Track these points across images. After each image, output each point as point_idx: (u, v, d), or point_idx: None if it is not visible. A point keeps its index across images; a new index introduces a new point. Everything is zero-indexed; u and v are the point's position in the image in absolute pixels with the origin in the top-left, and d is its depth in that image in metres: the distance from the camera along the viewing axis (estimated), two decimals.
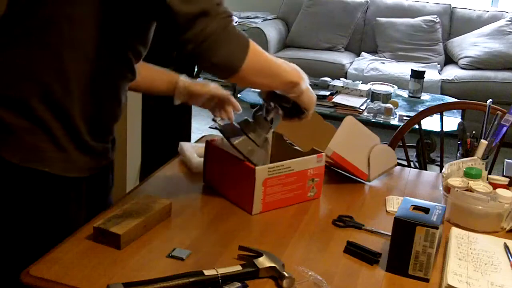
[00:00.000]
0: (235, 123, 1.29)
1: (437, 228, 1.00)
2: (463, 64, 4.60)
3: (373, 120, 3.41)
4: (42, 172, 1.11)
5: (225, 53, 0.99)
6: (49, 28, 1.05)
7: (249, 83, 1.13)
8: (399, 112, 3.48)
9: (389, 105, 3.47)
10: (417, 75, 3.88)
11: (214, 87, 1.40)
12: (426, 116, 2.01)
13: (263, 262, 1.00)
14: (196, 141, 1.61)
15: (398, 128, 2.02)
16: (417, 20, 4.93)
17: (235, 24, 1.01)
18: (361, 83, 3.77)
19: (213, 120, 1.33)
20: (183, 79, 1.37)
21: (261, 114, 1.24)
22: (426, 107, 2.07)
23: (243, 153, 1.20)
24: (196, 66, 2.62)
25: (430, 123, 3.17)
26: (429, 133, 3.36)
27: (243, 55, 1.01)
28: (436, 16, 4.91)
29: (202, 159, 1.38)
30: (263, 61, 1.07)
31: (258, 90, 1.26)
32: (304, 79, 1.16)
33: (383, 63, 4.74)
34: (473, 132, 1.49)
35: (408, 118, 2.38)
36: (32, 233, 1.15)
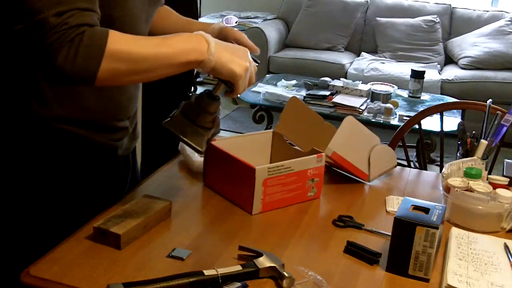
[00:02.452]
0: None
1: (437, 228, 1.00)
2: (463, 64, 4.61)
3: (373, 120, 3.41)
4: (42, 168, 1.12)
5: (70, 65, 0.91)
6: None
7: (122, 83, 1.07)
8: (399, 112, 3.48)
9: (389, 105, 3.47)
10: (417, 75, 3.88)
11: (241, 35, 1.29)
12: (426, 116, 2.02)
13: (263, 262, 1.00)
14: None
15: (398, 128, 2.02)
16: (417, 20, 4.93)
17: (90, 32, 0.93)
18: (361, 83, 3.77)
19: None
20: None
21: (207, 90, 1.13)
22: (426, 107, 2.07)
23: (176, 133, 1.08)
24: None
25: (430, 123, 3.17)
26: (429, 133, 3.37)
27: (94, 65, 0.93)
28: (436, 16, 4.91)
29: (202, 159, 1.39)
30: (128, 62, 0.97)
31: None
32: (210, 51, 1.03)
33: (383, 63, 4.74)
34: (473, 132, 1.49)
35: (408, 118, 2.38)
36: (33, 232, 1.15)
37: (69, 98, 1.10)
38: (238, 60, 1.07)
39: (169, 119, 1.10)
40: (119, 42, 0.95)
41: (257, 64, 1.16)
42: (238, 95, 1.17)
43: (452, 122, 3.23)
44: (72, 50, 0.90)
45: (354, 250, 1.10)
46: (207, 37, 1.04)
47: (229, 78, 1.07)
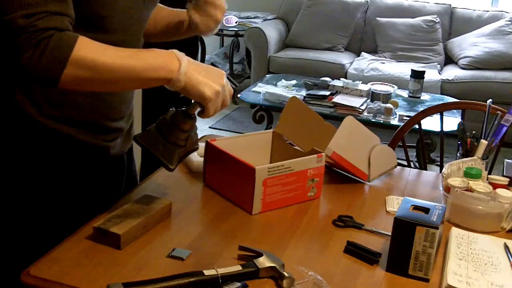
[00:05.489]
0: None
1: (437, 228, 1.00)
2: (463, 64, 4.61)
3: (373, 120, 3.41)
4: (40, 168, 1.12)
5: (34, 67, 0.92)
6: None
7: (83, 90, 1.07)
8: (399, 112, 3.48)
9: (389, 105, 3.47)
10: (417, 75, 3.88)
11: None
12: (426, 116, 2.02)
13: (263, 262, 1.00)
14: None
15: (398, 128, 2.02)
16: (417, 20, 4.93)
17: (57, 36, 0.93)
18: (361, 83, 3.77)
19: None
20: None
21: (183, 108, 1.12)
22: (426, 107, 2.07)
23: (147, 147, 1.08)
24: None
25: (430, 123, 3.17)
26: (429, 133, 3.37)
27: (57, 69, 0.93)
28: (436, 16, 4.91)
29: (202, 159, 1.39)
30: (91, 70, 0.96)
31: None
32: (180, 70, 1.02)
33: (383, 63, 4.74)
34: (473, 132, 1.49)
35: (408, 118, 2.38)
36: (33, 232, 1.15)
37: (59, 97, 1.10)
38: (210, 83, 1.05)
39: (142, 133, 1.10)
40: (86, 50, 0.95)
41: (234, 87, 1.14)
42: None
43: (452, 122, 3.23)
44: (37, 53, 0.91)
45: (354, 250, 1.10)
46: (179, 56, 1.03)
47: (198, 100, 1.06)
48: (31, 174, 1.13)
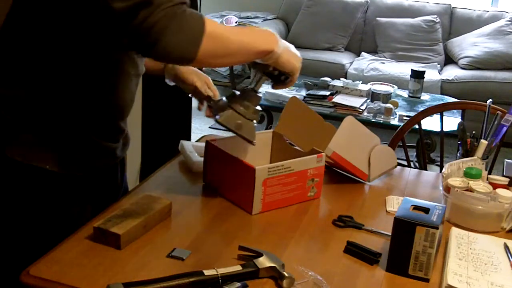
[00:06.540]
0: (224, 98, 1.24)
1: (437, 228, 1.00)
2: (463, 64, 4.60)
3: (373, 120, 3.41)
4: (44, 169, 1.12)
5: (175, 43, 0.96)
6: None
7: (210, 65, 1.13)
8: (399, 112, 3.48)
9: (389, 105, 3.47)
10: (417, 75, 3.88)
11: (196, 77, 1.41)
12: (426, 116, 2.02)
13: (263, 262, 1.00)
14: (197, 141, 1.61)
15: (398, 128, 2.02)
16: (417, 20, 4.93)
17: (189, 11, 0.98)
18: (361, 83, 3.77)
19: (208, 101, 1.29)
20: None
21: (247, 86, 1.21)
22: (426, 107, 2.07)
23: (231, 128, 1.17)
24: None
25: (430, 123, 3.17)
26: (429, 133, 3.37)
27: (196, 43, 0.98)
28: (436, 16, 4.91)
29: (202, 158, 1.38)
30: (221, 43, 1.03)
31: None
32: (278, 43, 1.12)
33: (383, 63, 4.74)
34: (473, 132, 1.49)
35: (408, 118, 2.38)
36: (33, 232, 1.15)
37: (88, 95, 1.11)
38: (295, 54, 1.18)
39: (221, 116, 1.17)
40: (212, 24, 1.01)
41: None
42: None
43: (452, 122, 3.23)
44: (177, 26, 0.95)
45: (354, 250, 1.10)
46: (273, 31, 1.13)
47: (289, 70, 1.17)
48: (36, 175, 1.13)
